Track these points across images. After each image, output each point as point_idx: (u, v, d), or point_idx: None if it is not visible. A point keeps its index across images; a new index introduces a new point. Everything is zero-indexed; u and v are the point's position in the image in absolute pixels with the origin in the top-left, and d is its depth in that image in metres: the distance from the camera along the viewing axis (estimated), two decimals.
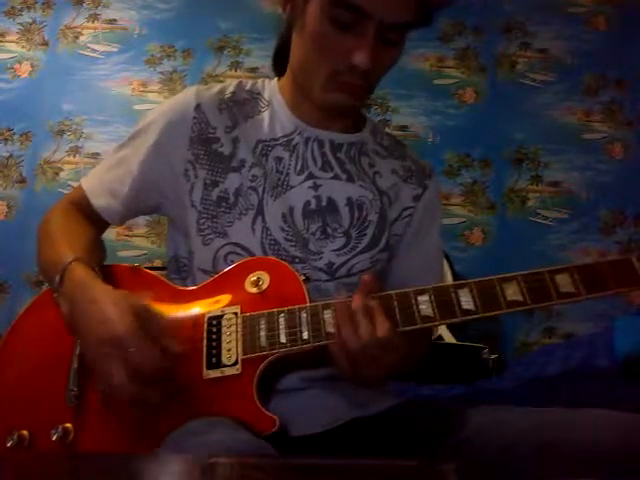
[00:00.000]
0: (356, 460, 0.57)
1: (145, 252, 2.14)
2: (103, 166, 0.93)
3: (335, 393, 0.81)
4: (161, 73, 2.32)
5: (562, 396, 1.23)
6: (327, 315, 0.74)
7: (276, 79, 0.96)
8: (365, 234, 0.89)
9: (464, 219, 2.19)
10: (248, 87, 0.94)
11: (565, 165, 2.23)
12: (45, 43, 2.35)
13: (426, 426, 0.80)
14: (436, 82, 2.32)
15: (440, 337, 1.71)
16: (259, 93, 0.94)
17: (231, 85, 0.94)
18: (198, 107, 0.88)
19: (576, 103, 2.28)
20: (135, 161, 0.88)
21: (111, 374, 0.66)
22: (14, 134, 2.25)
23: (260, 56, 2.32)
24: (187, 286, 0.86)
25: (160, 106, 0.93)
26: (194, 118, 0.88)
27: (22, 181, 2.21)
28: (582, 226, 2.17)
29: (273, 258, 0.82)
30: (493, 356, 1.68)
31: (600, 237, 2.15)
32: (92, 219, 0.91)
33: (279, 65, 0.95)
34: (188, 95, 0.90)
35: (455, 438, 0.75)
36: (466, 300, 0.72)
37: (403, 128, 2.26)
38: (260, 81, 0.96)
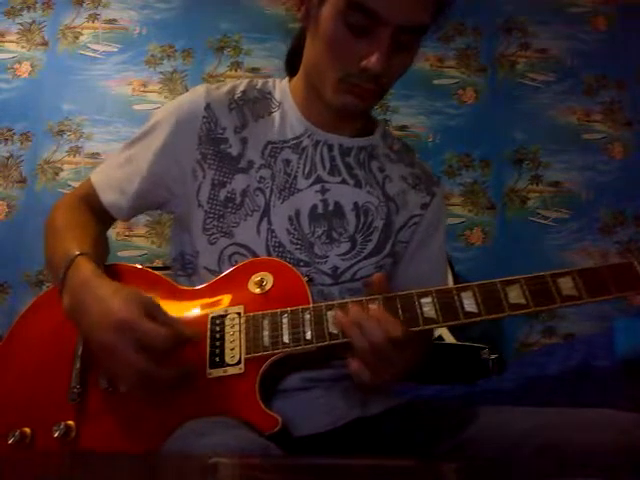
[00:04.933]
0: (356, 460, 0.57)
1: (145, 252, 2.14)
2: (112, 163, 0.93)
3: (337, 393, 0.81)
4: (161, 73, 2.32)
5: (562, 396, 1.23)
6: (330, 316, 0.74)
7: (287, 79, 0.95)
8: (370, 240, 0.89)
9: (464, 219, 2.19)
10: (259, 86, 0.94)
11: (565, 165, 2.23)
12: (45, 43, 2.35)
13: (428, 426, 0.80)
14: (436, 82, 2.32)
15: (440, 337, 1.71)
16: (270, 93, 0.93)
17: (241, 84, 0.93)
18: (208, 106, 0.88)
19: (576, 103, 2.28)
20: (144, 159, 0.88)
21: (120, 356, 0.67)
22: (14, 134, 2.25)
23: (260, 56, 2.33)
24: (193, 283, 0.86)
25: (170, 104, 0.93)
26: (204, 117, 0.87)
27: (22, 181, 2.21)
28: (582, 226, 2.17)
29: (277, 259, 0.82)
30: (493, 356, 1.68)
31: (600, 237, 2.16)
32: (99, 214, 0.91)
33: (291, 65, 0.95)
34: (198, 94, 0.89)
35: (457, 438, 0.76)
36: (469, 303, 0.72)
37: (403, 128, 2.26)
38: (271, 81, 0.96)
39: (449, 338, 1.72)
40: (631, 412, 0.69)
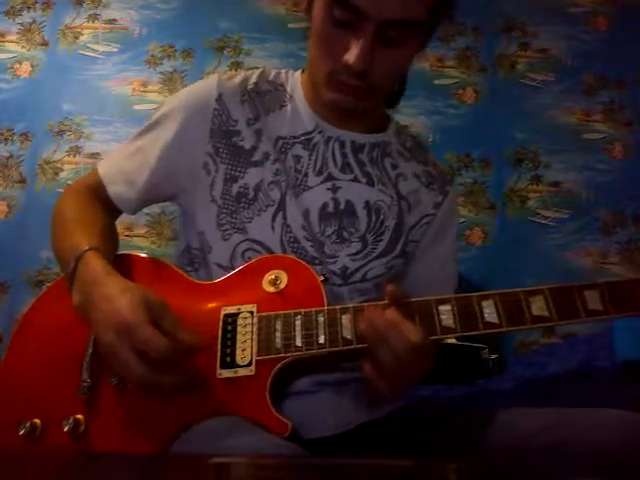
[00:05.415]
0: (356, 459, 0.57)
1: (145, 252, 2.13)
2: (120, 153, 0.91)
3: (346, 397, 0.81)
4: (161, 73, 2.32)
5: (562, 396, 1.23)
6: (345, 320, 0.72)
7: (299, 72, 0.93)
8: (381, 240, 0.87)
9: (464, 219, 2.18)
10: (271, 77, 0.92)
11: (565, 165, 2.22)
12: (45, 43, 2.35)
13: (431, 427, 0.80)
14: (436, 82, 2.32)
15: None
16: (282, 85, 0.91)
17: (254, 75, 0.91)
18: (220, 98, 0.86)
19: (576, 103, 2.28)
20: (153, 151, 0.87)
21: (120, 359, 0.66)
22: (14, 134, 2.25)
23: (260, 56, 2.33)
24: (200, 278, 0.85)
25: (181, 94, 0.91)
26: (215, 110, 0.85)
27: (22, 181, 2.21)
28: (582, 226, 2.17)
29: (292, 257, 0.81)
30: (493, 356, 1.68)
31: (600, 237, 2.15)
32: (107, 205, 0.89)
33: None
34: (210, 85, 0.87)
35: (461, 439, 0.75)
36: (489, 312, 0.70)
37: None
38: (284, 72, 0.94)
39: (449, 338, 1.72)
40: (634, 412, 0.69)
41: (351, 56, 0.73)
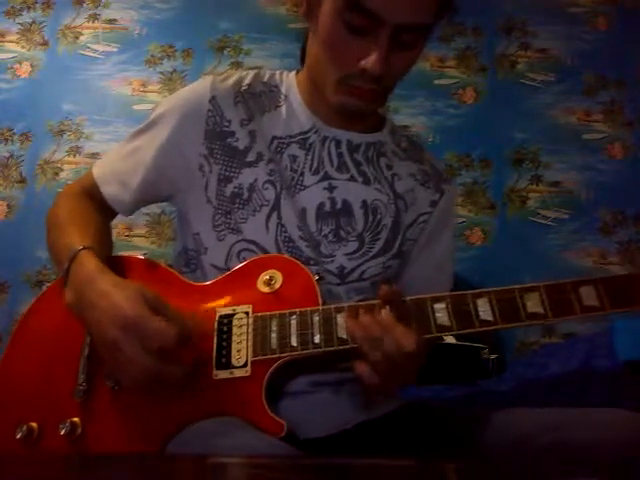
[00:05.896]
0: (356, 460, 0.57)
1: (145, 252, 2.14)
2: (115, 154, 0.92)
3: (344, 397, 0.80)
4: (161, 73, 2.32)
5: (562, 396, 1.23)
6: (340, 319, 0.72)
7: (294, 72, 0.94)
8: (378, 239, 0.87)
9: (464, 219, 2.18)
10: (266, 79, 0.92)
11: (565, 165, 2.22)
12: (45, 43, 2.35)
13: (432, 427, 0.80)
14: (436, 82, 2.32)
15: (440, 337, 1.71)
16: (277, 86, 0.91)
17: (248, 76, 0.91)
18: (213, 99, 0.86)
19: (576, 103, 2.28)
20: (148, 153, 0.87)
21: (126, 354, 0.66)
22: (14, 134, 2.25)
23: (260, 56, 2.33)
24: (197, 279, 0.85)
25: (175, 96, 0.91)
26: (209, 111, 0.85)
27: (22, 181, 2.21)
28: (582, 226, 2.16)
29: (286, 256, 0.81)
30: (493, 356, 1.68)
31: (600, 237, 2.15)
32: (102, 206, 0.90)
33: (304, 57, 0.92)
34: (204, 86, 0.88)
35: (461, 439, 0.75)
36: (484, 310, 0.69)
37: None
38: (278, 73, 0.94)
39: (449, 338, 1.72)
40: (634, 412, 0.69)
41: (369, 62, 0.74)
